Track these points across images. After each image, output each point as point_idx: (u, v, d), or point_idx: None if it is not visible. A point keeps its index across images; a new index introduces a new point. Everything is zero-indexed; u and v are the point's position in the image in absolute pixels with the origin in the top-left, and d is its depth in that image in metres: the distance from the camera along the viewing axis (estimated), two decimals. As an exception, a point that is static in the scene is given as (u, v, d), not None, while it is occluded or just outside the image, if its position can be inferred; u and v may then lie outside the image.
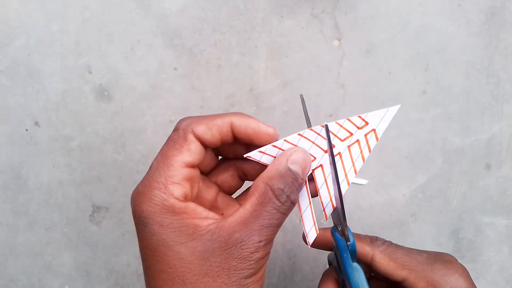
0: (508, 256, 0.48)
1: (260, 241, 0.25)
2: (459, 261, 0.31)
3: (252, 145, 0.28)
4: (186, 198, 0.26)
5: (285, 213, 0.26)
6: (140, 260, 0.45)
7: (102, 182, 0.43)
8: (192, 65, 0.42)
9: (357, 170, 0.29)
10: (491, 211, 0.47)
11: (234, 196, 0.32)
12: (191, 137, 0.26)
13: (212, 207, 0.29)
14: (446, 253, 0.33)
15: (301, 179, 0.27)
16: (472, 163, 0.46)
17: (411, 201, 0.46)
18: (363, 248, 0.31)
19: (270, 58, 0.43)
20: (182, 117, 0.38)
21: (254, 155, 0.28)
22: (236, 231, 0.25)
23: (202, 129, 0.27)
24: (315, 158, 0.29)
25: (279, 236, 0.46)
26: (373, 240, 0.32)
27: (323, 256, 0.46)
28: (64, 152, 0.43)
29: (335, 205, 0.29)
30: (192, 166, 0.27)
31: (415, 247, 0.47)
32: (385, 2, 0.43)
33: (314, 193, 0.29)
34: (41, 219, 0.44)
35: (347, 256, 0.29)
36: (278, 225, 0.26)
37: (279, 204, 0.25)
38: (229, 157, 0.30)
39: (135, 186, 0.43)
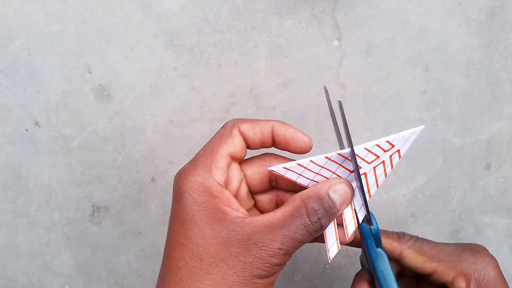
0: (508, 256, 0.48)
1: (280, 249, 0.26)
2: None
3: (288, 151, 0.30)
4: (225, 184, 0.28)
5: (311, 233, 0.27)
6: (140, 260, 0.45)
7: (102, 182, 0.44)
8: (192, 65, 0.42)
9: (379, 185, 0.29)
10: (491, 211, 0.47)
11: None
12: (235, 131, 0.29)
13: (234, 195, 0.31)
14: (476, 244, 0.33)
15: (337, 209, 0.28)
16: (472, 163, 0.46)
17: (411, 201, 0.46)
18: (391, 245, 0.31)
19: (270, 58, 0.43)
20: (182, 117, 0.40)
21: (278, 169, 0.29)
22: (261, 231, 0.26)
23: (246, 126, 0.29)
24: (340, 177, 0.29)
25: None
26: (400, 236, 0.32)
27: (323, 256, 0.46)
28: (64, 152, 0.43)
29: (371, 195, 0.29)
30: (235, 157, 0.29)
31: (415, 247, 0.47)
32: (385, 2, 0.43)
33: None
34: (41, 219, 0.44)
35: (371, 242, 0.29)
36: (301, 241, 0.26)
37: (309, 222, 0.26)
38: (283, 188, 0.32)
39: (135, 186, 0.43)
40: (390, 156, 0.29)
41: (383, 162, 0.29)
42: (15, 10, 0.40)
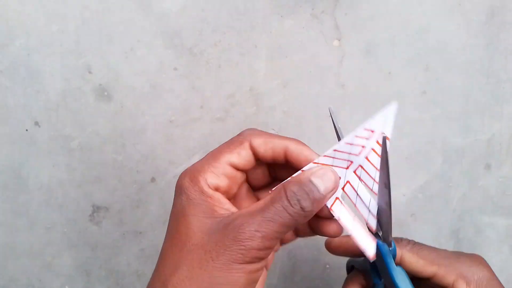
0: (508, 256, 0.48)
1: (257, 231, 0.26)
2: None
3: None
4: (216, 189, 0.29)
5: (292, 215, 0.27)
6: (140, 260, 0.45)
7: (102, 182, 0.44)
8: (192, 65, 0.42)
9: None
10: (491, 211, 0.47)
11: None
12: (246, 144, 0.30)
13: None
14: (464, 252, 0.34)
15: (321, 194, 0.27)
16: (472, 163, 0.46)
17: (411, 201, 0.46)
18: None
19: (270, 58, 0.43)
20: (182, 117, 0.40)
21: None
22: (240, 216, 0.26)
23: (258, 142, 0.30)
24: (352, 162, 0.29)
25: (279, 236, 0.46)
26: (398, 241, 0.33)
27: (323, 257, 0.46)
28: (64, 152, 0.43)
29: (375, 216, 0.29)
30: (237, 168, 0.30)
31: (415, 247, 0.47)
32: (385, 2, 0.43)
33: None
34: (41, 219, 0.44)
35: (390, 260, 0.29)
36: (282, 224, 0.26)
37: (287, 204, 0.26)
38: (282, 178, 0.32)
39: (135, 186, 0.44)
40: (377, 142, 0.28)
41: (372, 149, 0.28)
42: (15, 10, 0.40)
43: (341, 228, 0.30)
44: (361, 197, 0.29)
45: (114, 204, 0.44)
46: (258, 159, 0.31)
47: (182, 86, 0.43)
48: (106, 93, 0.42)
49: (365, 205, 0.29)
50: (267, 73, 0.43)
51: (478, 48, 0.44)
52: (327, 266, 0.47)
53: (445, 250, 0.33)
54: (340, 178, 0.29)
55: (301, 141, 0.30)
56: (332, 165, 0.29)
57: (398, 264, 0.31)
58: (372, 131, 0.28)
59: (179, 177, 0.30)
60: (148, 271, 0.46)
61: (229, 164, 0.29)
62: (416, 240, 0.33)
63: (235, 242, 0.25)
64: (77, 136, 0.43)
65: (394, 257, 0.30)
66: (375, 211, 0.29)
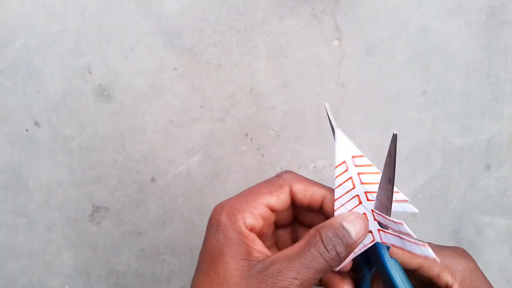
0: (508, 256, 0.48)
1: (295, 278, 0.26)
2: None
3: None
4: (252, 230, 0.29)
5: (328, 262, 0.27)
6: (140, 260, 0.45)
7: (102, 182, 0.43)
8: (192, 65, 0.42)
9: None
10: (491, 211, 0.47)
11: None
12: (286, 189, 0.30)
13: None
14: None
15: (353, 240, 0.28)
16: (472, 163, 0.46)
17: (411, 201, 0.46)
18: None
19: (270, 58, 0.43)
20: (182, 117, 0.39)
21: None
22: (278, 262, 0.27)
23: (299, 188, 0.30)
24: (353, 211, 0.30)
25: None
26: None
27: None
28: (64, 152, 0.43)
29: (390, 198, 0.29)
30: (273, 210, 0.30)
31: (415, 247, 0.47)
32: (385, 2, 0.43)
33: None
34: (41, 219, 0.44)
35: (385, 252, 0.30)
36: (318, 271, 0.27)
37: (324, 249, 0.27)
38: (303, 223, 0.33)
39: (135, 186, 0.43)
40: (355, 165, 0.30)
41: (359, 174, 0.30)
42: (15, 10, 0.40)
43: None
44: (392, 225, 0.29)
45: (114, 204, 0.44)
46: (293, 203, 0.31)
47: (182, 86, 0.43)
48: (106, 93, 0.42)
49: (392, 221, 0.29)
50: (267, 73, 0.43)
51: (478, 48, 0.44)
52: (327, 266, 0.47)
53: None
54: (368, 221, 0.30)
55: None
56: (351, 209, 0.30)
57: (392, 256, 0.32)
58: (344, 162, 0.30)
59: (214, 211, 0.30)
60: (148, 271, 0.46)
61: (267, 206, 0.30)
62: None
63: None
64: (77, 136, 0.43)
65: (388, 248, 0.30)
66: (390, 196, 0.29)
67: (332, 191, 0.30)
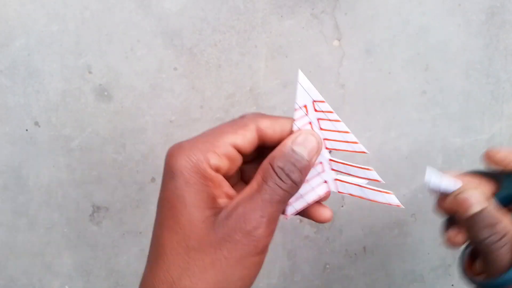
0: (508, 256, 0.48)
1: (262, 216, 0.25)
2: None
3: None
4: (218, 171, 0.26)
5: (286, 191, 0.26)
6: (140, 260, 0.45)
7: (102, 182, 0.43)
8: (192, 65, 0.42)
9: (348, 130, 0.29)
10: (491, 211, 0.47)
11: None
12: (252, 127, 0.27)
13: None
14: None
15: (307, 161, 0.27)
16: (472, 163, 0.46)
17: (411, 201, 0.46)
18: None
19: (270, 58, 0.43)
20: (182, 117, 0.39)
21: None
22: (241, 204, 0.25)
23: (266, 124, 0.28)
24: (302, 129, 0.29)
25: (279, 237, 0.46)
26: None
27: (323, 257, 0.46)
28: (64, 152, 0.43)
29: (357, 141, 0.29)
30: (239, 150, 0.27)
31: (415, 247, 0.47)
32: (385, 2, 0.43)
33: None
34: (41, 219, 0.44)
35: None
36: (280, 202, 0.26)
37: (279, 180, 0.26)
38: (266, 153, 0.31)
39: (135, 186, 0.43)
40: (315, 110, 0.28)
41: (318, 119, 0.29)
42: (15, 10, 0.40)
43: (332, 215, 0.29)
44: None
45: (114, 204, 0.44)
46: (263, 144, 0.29)
47: (182, 86, 0.43)
48: (106, 93, 0.42)
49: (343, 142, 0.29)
50: (267, 73, 0.43)
51: (478, 48, 0.44)
52: (327, 266, 0.47)
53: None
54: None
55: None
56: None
57: None
58: (305, 106, 0.29)
59: (170, 152, 0.27)
60: (148, 271, 0.46)
61: (233, 145, 0.27)
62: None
63: (245, 235, 0.25)
64: (77, 136, 0.43)
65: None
66: (354, 139, 0.29)
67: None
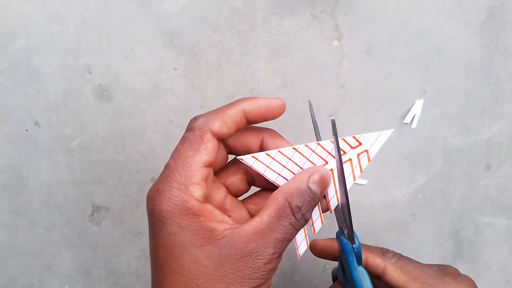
0: (508, 256, 0.48)
1: (274, 253, 0.25)
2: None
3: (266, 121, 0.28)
4: (205, 199, 0.26)
5: (298, 230, 0.27)
6: (140, 260, 0.45)
7: (102, 182, 0.44)
8: (192, 65, 0.42)
9: (348, 189, 0.29)
10: (491, 211, 0.47)
11: (240, 198, 0.32)
12: (208, 135, 0.27)
13: (220, 208, 0.29)
14: (450, 266, 0.33)
15: (318, 198, 0.27)
16: (472, 163, 0.46)
17: (411, 201, 0.46)
18: (375, 260, 0.31)
19: (270, 58, 0.43)
20: (182, 117, 0.39)
21: (246, 159, 0.28)
22: (253, 240, 0.25)
23: (218, 125, 0.27)
24: (315, 165, 0.29)
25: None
26: (384, 252, 0.32)
27: (323, 256, 0.46)
28: (64, 152, 0.43)
29: (340, 200, 0.29)
30: (209, 165, 0.27)
31: (415, 247, 0.47)
32: (385, 2, 0.43)
33: None
34: (41, 219, 0.44)
35: (352, 259, 0.29)
36: (290, 240, 0.27)
37: (295, 220, 0.26)
38: (239, 152, 0.30)
39: (135, 186, 0.43)
40: (358, 155, 0.28)
41: (350, 159, 0.29)
42: (15, 10, 0.40)
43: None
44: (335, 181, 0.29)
45: (114, 204, 0.44)
46: (223, 141, 0.28)
47: (182, 86, 0.43)
48: (106, 93, 0.42)
49: (335, 188, 0.29)
50: (267, 73, 0.43)
51: (478, 48, 0.44)
52: (327, 266, 0.47)
53: (430, 267, 0.32)
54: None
55: (251, 96, 0.29)
56: (308, 159, 0.29)
57: (373, 273, 0.31)
58: (360, 143, 0.29)
59: (151, 200, 0.26)
60: (148, 271, 0.45)
61: (203, 164, 0.26)
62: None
63: (256, 270, 0.25)
64: (77, 136, 0.43)
65: (358, 254, 0.29)
66: (342, 201, 0.29)
67: (246, 100, 0.28)
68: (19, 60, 0.41)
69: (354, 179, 0.29)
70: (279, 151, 0.28)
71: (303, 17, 0.42)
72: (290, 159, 0.28)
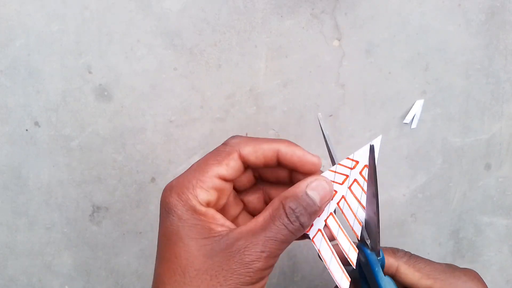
0: (508, 256, 0.48)
1: (263, 252, 0.26)
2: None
3: (295, 172, 0.30)
4: (208, 205, 0.28)
5: (292, 232, 0.27)
6: (140, 260, 0.45)
7: (102, 182, 0.44)
8: (192, 65, 0.42)
9: (365, 206, 0.29)
10: (491, 211, 0.47)
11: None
12: (235, 155, 0.29)
13: (233, 222, 0.30)
14: (464, 267, 0.34)
15: (318, 206, 0.28)
16: (472, 163, 0.46)
17: (411, 201, 0.46)
18: (388, 260, 0.32)
19: (270, 58, 0.43)
20: (182, 117, 0.39)
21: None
22: (243, 237, 0.26)
23: (248, 150, 0.29)
24: (336, 192, 0.29)
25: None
26: (395, 251, 0.33)
27: (323, 256, 0.46)
28: (64, 152, 0.43)
29: (361, 222, 0.29)
30: (225, 179, 0.29)
31: (415, 247, 0.47)
32: (385, 2, 0.43)
33: (331, 238, 0.30)
34: (41, 219, 0.44)
35: (378, 270, 0.29)
36: (283, 241, 0.27)
37: (288, 221, 0.27)
38: (268, 180, 0.32)
39: (135, 186, 0.43)
40: (360, 172, 0.29)
41: (355, 180, 0.29)
42: (15, 10, 0.40)
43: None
44: (351, 206, 0.30)
45: (114, 204, 0.44)
46: (248, 167, 0.30)
47: (182, 86, 0.43)
48: (106, 93, 0.42)
49: (352, 213, 0.29)
50: (267, 73, 0.43)
51: (478, 48, 0.44)
52: (327, 266, 0.47)
53: (440, 264, 0.33)
54: (336, 192, 0.30)
55: (291, 141, 0.30)
56: (333, 181, 0.30)
57: (387, 273, 0.31)
58: (357, 162, 0.29)
59: (164, 193, 0.28)
60: (148, 271, 0.46)
61: (218, 177, 0.28)
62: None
63: (242, 266, 0.25)
64: (77, 136, 0.43)
65: (382, 266, 0.30)
66: (362, 219, 0.29)
67: (285, 143, 0.29)
68: (19, 60, 0.41)
69: (365, 193, 0.29)
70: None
71: (303, 17, 0.42)
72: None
